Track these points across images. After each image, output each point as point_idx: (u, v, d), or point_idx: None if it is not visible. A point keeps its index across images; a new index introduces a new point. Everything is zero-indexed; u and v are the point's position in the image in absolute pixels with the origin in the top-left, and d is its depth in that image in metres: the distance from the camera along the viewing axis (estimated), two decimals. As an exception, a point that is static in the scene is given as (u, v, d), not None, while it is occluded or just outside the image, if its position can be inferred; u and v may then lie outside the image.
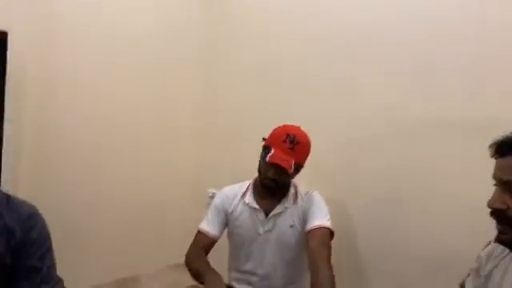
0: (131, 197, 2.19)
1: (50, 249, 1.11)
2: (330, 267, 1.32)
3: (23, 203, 1.09)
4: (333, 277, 1.29)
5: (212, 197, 2.08)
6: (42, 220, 1.11)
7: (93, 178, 2.03)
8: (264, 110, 2.12)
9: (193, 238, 1.60)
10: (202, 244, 1.56)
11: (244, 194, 1.61)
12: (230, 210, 1.60)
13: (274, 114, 1.68)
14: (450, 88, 1.57)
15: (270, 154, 1.44)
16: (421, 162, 1.65)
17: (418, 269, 1.63)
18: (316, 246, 1.38)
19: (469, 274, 1.07)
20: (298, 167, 1.51)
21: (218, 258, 1.65)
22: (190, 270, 1.50)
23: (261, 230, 1.56)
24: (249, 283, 1.58)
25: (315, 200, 1.54)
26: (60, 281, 1.14)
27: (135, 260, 2.15)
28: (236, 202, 1.61)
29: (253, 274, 1.58)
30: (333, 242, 1.45)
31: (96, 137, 2.04)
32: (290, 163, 1.43)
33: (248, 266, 1.59)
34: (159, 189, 2.31)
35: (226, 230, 1.63)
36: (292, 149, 1.44)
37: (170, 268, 2.24)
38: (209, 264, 1.48)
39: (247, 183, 1.65)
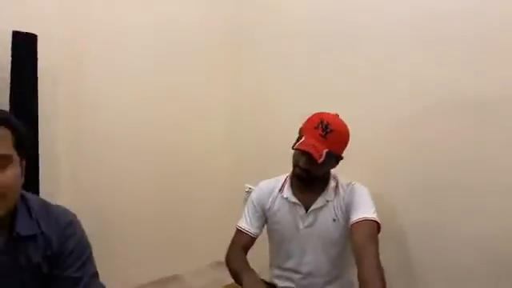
0: (170, 195, 2.18)
1: (89, 257, 1.09)
2: (379, 262, 1.22)
3: (62, 212, 1.08)
4: (382, 273, 1.19)
5: (249, 192, 2.04)
6: (81, 228, 1.09)
7: (130, 181, 2.03)
8: (302, 100, 2.03)
9: (231, 234, 1.55)
10: (242, 243, 1.51)
11: (282, 188, 1.53)
12: (267, 206, 1.53)
13: (312, 104, 1.58)
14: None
15: (300, 141, 1.35)
16: (476, 148, 1.48)
17: (471, 263, 1.49)
18: (362, 241, 1.28)
19: None
20: (336, 157, 1.41)
21: (260, 255, 1.59)
22: (229, 270, 1.46)
23: (301, 226, 1.47)
24: (291, 280, 1.51)
25: (358, 192, 1.43)
26: (103, 287, 1.11)
27: (177, 259, 2.14)
28: (274, 196, 1.53)
29: (295, 271, 1.50)
30: (379, 235, 1.34)
31: (130, 138, 2.03)
32: (319, 151, 1.32)
33: (289, 264, 1.51)
34: (197, 185, 2.29)
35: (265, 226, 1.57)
36: (324, 136, 1.33)
37: (212, 266, 2.22)
38: (247, 264, 1.43)
39: (284, 176, 1.57)
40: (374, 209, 1.38)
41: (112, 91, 1.96)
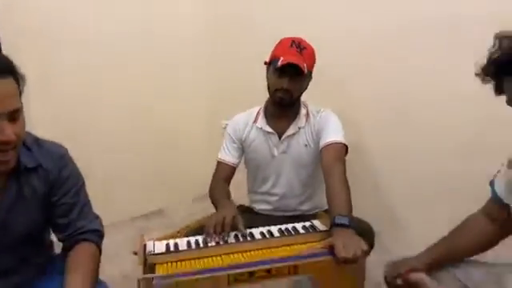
0: (155, 135, 2.24)
1: (82, 187, 1.18)
2: (345, 180, 1.33)
3: (53, 145, 1.14)
4: (348, 188, 1.31)
5: (224, 127, 2.10)
6: (72, 161, 1.17)
7: (117, 118, 2.06)
8: (273, 33, 2.05)
9: (212, 170, 1.63)
10: (223, 174, 1.60)
11: (255, 119, 1.60)
12: (243, 137, 1.61)
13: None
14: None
15: (279, 61, 1.40)
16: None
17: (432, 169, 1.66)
18: (331, 161, 1.39)
19: (498, 171, 1.06)
20: (310, 75, 1.48)
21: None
22: (211, 200, 1.54)
23: (275, 152, 1.57)
24: (268, 203, 1.63)
25: (328, 117, 1.52)
26: (97, 217, 1.21)
27: (161, 194, 2.24)
28: (248, 128, 1.61)
29: (271, 194, 1.62)
30: (347, 156, 1.45)
31: (114, 74, 2.04)
32: (303, 64, 1.40)
33: (265, 188, 1.62)
34: (179, 123, 2.34)
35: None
36: (300, 52, 1.42)
37: (194, 200, 2.33)
38: (225, 193, 1.51)
39: (257, 109, 1.63)
40: (342, 133, 1.48)
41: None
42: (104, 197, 1.55)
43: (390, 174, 1.85)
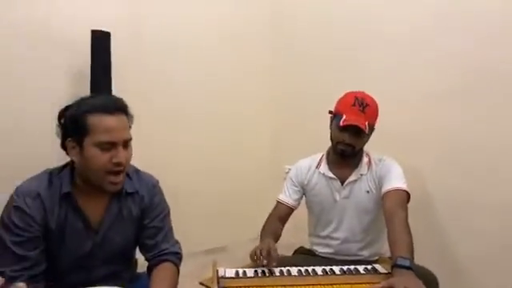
0: (219, 178, 2.43)
1: (168, 214, 1.37)
2: (407, 226, 1.38)
3: (149, 175, 1.36)
4: (410, 235, 1.35)
5: (287, 172, 2.24)
6: (161, 190, 1.37)
7: (185, 158, 2.28)
8: (339, 84, 2.23)
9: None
10: (279, 213, 1.70)
11: (318, 165, 1.71)
12: (305, 182, 1.71)
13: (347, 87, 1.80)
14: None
15: (342, 119, 1.51)
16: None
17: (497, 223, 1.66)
18: (393, 208, 1.44)
19: None
20: (372, 129, 1.58)
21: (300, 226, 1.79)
22: (260, 235, 1.63)
23: (338, 197, 1.65)
24: (329, 246, 1.69)
25: (390, 165, 1.60)
26: (177, 242, 1.38)
27: (224, 231, 2.36)
28: (311, 173, 1.71)
29: (332, 238, 1.68)
30: (409, 204, 1.50)
31: (185, 119, 2.30)
32: (364, 124, 1.50)
33: (327, 232, 1.69)
34: (244, 166, 2.52)
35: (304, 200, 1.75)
36: (363, 111, 1.51)
37: (252, 240, 2.42)
38: (272, 232, 1.60)
39: (320, 155, 1.74)
40: (404, 180, 1.54)
41: (170, 79, 2.23)
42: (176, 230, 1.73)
43: (453, 224, 1.83)
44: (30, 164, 1.30)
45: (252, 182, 2.55)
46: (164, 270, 1.26)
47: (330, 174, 1.66)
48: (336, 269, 1.34)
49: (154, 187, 1.33)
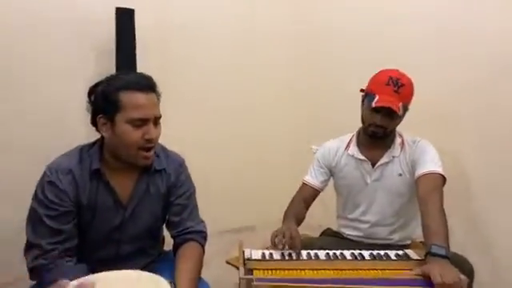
0: (248, 159, 2.40)
1: (193, 193, 1.37)
2: (442, 211, 1.31)
3: (175, 154, 1.37)
4: (445, 220, 1.28)
5: (315, 153, 2.18)
6: (187, 169, 1.38)
7: (216, 140, 2.27)
8: (364, 62, 2.12)
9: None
10: (304, 195, 1.66)
11: (347, 146, 1.65)
12: (333, 164, 1.66)
13: (373, 65, 1.68)
14: None
15: (374, 100, 1.44)
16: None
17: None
18: (428, 191, 1.37)
19: None
20: (405, 110, 1.49)
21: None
22: (283, 216, 1.60)
23: (368, 180, 1.59)
24: (357, 229, 1.65)
25: (424, 147, 1.51)
26: (202, 221, 1.38)
27: (250, 212, 2.36)
28: (339, 154, 1.65)
29: (361, 221, 1.63)
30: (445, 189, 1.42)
31: (214, 101, 2.27)
32: (398, 105, 1.42)
33: (356, 214, 1.64)
34: (267, 148, 2.47)
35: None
36: (397, 91, 1.43)
37: (280, 220, 2.41)
38: (295, 214, 1.58)
39: (349, 136, 1.68)
40: (439, 163, 1.46)
41: (192, 60, 2.18)
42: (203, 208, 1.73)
43: (493, 213, 1.73)
44: (60, 142, 1.33)
45: (280, 163, 2.52)
46: (189, 249, 1.27)
47: (361, 156, 1.60)
48: (365, 253, 1.30)
49: (180, 166, 1.34)
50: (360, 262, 1.25)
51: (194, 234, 1.30)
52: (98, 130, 1.21)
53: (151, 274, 0.90)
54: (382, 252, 1.31)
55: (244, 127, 2.41)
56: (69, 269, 1.10)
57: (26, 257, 1.15)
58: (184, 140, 1.89)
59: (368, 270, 1.18)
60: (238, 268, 1.96)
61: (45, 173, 1.18)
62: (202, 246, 1.31)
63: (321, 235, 1.80)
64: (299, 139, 2.56)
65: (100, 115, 1.17)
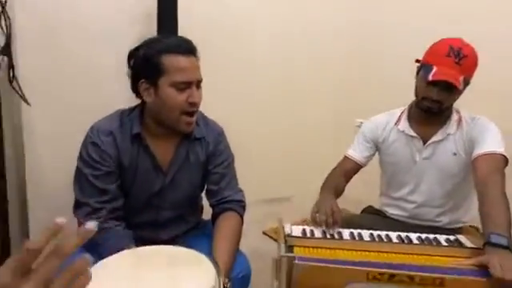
0: (289, 128, 2.33)
1: (232, 162, 1.36)
2: (505, 196, 1.19)
3: (214, 122, 1.36)
4: (508, 207, 1.17)
5: (359, 126, 2.08)
6: (226, 138, 1.36)
7: (251, 108, 2.22)
8: (416, 29, 1.94)
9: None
10: (345, 168, 1.59)
11: (397, 121, 1.54)
12: (380, 140, 1.56)
13: (427, 32, 1.52)
14: None
15: (432, 72, 1.30)
16: None
17: None
18: (487, 175, 1.25)
19: None
20: (466, 84, 1.35)
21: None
22: (320, 188, 1.53)
23: (417, 158, 1.49)
24: (402, 209, 1.57)
25: (485, 125, 1.38)
26: (241, 190, 1.36)
27: (288, 182, 2.32)
28: (388, 130, 1.55)
29: (407, 201, 1.55)
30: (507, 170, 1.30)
31: (259, 68, 2.20)
32: (458, 79, 1.28)
33: (402, 193, 1.56)
34: (308, 118, 2.38)
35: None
36: (458, 63, 1.28)
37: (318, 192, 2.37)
38: (334, 187, 1.50)
39: (400, 110, 1.57)
40: (501, 143, 1.33)
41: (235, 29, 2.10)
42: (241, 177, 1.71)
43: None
44: (101, 108, 1.31)
45: (321, 133, 2.43)
46: (227, 218, 1.26)
47: (411, 132, 1.49)
48: (413, 236, 1.23)
49: (219, 135, 1.33)
50: (407, 245, 1.18)
51: (232, 204, 1.29)
52: (138, 95, 1.20)
53: (193, 251, 0.88)
54: (431, 236, 1.23)
55: (287, 96, 2.32)
56: (118, 234, 1.13)
57: (75, 215, 1.19)
58: (224, 107, 1.86)
59: (417, 255, 1.10)
60: (274, 240, 1.97)
61: (87, 134, 1.20)
62: (241, 216, 1.30)
63: (361, 212, 1.73)
64: (344, 111, 2.46)
65: (142, 80, 1.16)
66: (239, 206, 1.30)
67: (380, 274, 0.98)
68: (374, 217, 1.63)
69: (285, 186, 2.33)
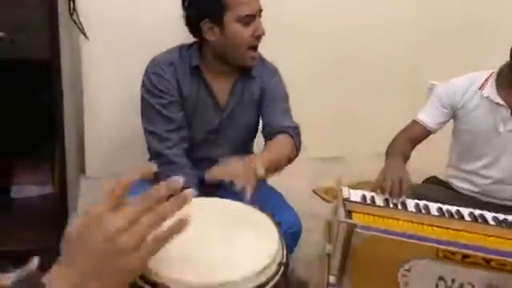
0: (351, 85, 2.18)
1: (287, 99, 1.31)
2: None
3: (269, 62, 1.33)
4: None
5: (431, 88, 1.89)
6: (281, 76, 1.32)
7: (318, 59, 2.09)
8: None
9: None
10: (413, 133, 1.44)
11: (482, 86, 1.36)
12: (459, 105, 1.39)
13: None
14: None
15: None
16: None
17: None
18: None
19: None
20: None
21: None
22: (385, 154, 1.40)
23: (501, 129, 1.32)
24: (473, 184, 1.42)
25: None
26: (297, 126, 1.28)
27: (342, 142, 2.21)
28: (469, 95, 1.38)
29: (481, 175, 1.40)
30: None
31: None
32: None
33: (475, 167, 1.41)
34: (378, 74, 2.20)
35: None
36: None
37: (372, 156, 2.24)
38: (402, 152, 1.37)
39: (486, 73, 1.38)
40: None
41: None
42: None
43: None
44: (160, 44, 1.29)
45: (386, 92, 2.25)
46: (278, 138, 1.19)
47: (498, 100, 1.32)
48: (488, 216, 1.10)
49: (274, 72, 1.31)
50: (481, 225, 1.05)
51: (285, 128, 1.22)
52: (197, 36, 1.19)
53: (255, 209, 0.79)
54: (509, 217, 1.10)
55: (351, 49, 2.14)
56: (186, 173, 1.13)
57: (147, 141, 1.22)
58: (287, 57, 1.76)
59: (492, 237, 0.99)
60: (325, 200, 1.90)
61: (149, 66, 1.22)
62: (293, 140, 1.21)
63: (424, 182, 1.60)
64: (415, 71, 2.24)
65: (205, 20, 1.13)
66: (293, 130, 1.23)
67: (452, 253, 0.88)
68: (438, 188, 1.50)
69: (338, 145, 2.22)
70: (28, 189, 1.61)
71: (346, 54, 2.14)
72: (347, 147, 2.23)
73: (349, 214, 1.05)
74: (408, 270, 0.91)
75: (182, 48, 1.25)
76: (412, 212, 1.10)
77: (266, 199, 1.07)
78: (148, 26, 1.73)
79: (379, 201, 1.14)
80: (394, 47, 2.20)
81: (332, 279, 0.97)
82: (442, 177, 1.55)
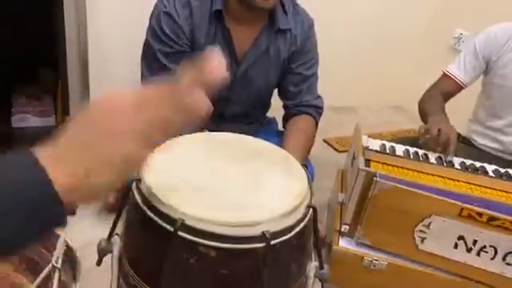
0: (368, 28, 2.02)
1: (317, 63, 1.18)
2: None
3: (306, 13, 1.15)
4: None
5: (459, 38, 1.75)
6: (315, 33, 1.17)
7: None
8: None
9: (419, 83, 1.39)
10: (445, 89, 1.34)
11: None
12: (494, 57, 1.27)
13: None
14: None
15: None
16: None
17: None
18: None
19: None
20: None
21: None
22: (419, 111, 1.33)
23: (539, 85, 1.21)
24: (498, 142, 1.34)
25: None
26: (320, 96, 1.20)
27: (357, 93, 2.11)
28: (509, 46, 1.25)
29: (506, 133, 1.31)
30: None
31: None
32: None
33: (502, 124, 1.31)
34: (396, 22, 2.04)
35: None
36: None
37: (386, 108, 2.15)
38: (441, 107, 1.28)
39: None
40: None
41: None
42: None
43: None
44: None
45: (406, 41, 2.10)
46: (303, 122, 1.14)
47: (540, 52, 1.19)
48: (513, 173, 1.04)
49: (309, 28, 1.14)
50: (506, 182, 0.99)
51: (310, 108, 1.15)
52: None
53: (279, 148, 0.70)
54: (537, 178, 1.03)
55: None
56: None
57: None
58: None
59: (517, 195, 0.93)
60: (334, 148, 1.84)
61: (160, 1, 1.03)
62: (316, 122, 1.17)
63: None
64: (440, 18, 2.06)
65: None
66: (316, 112, 1.17)
67: (478, 213, 0.81)
68: (458, 145, 1.42)
69: (350, 95, 2.12)
70: (30, 119, 1.55)
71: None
72: (360, 98, 2.13)
73: (367, 162, 0.99)
74: (427, 226, 0.86)
75: None
76: (433, 164, 1.04)
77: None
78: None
79: (399, 151, 1.08)
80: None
81: (344, 228, 0.92)
82: (462, 132, 1.47)
